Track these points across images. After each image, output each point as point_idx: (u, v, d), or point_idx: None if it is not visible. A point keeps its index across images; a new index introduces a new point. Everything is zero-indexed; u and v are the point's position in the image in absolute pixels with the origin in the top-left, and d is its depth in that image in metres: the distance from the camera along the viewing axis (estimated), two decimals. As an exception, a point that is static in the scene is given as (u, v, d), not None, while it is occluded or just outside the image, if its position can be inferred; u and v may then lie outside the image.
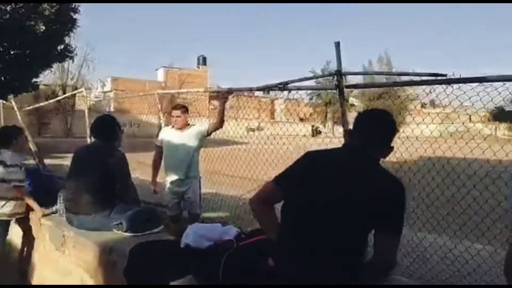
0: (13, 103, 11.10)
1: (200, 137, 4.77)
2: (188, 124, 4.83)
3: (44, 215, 4.40)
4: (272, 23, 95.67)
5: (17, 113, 10.74)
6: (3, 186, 4.20)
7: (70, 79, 38.89)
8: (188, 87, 43.10)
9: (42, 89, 30.88)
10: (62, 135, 33.82)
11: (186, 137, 4.71)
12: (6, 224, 4.36)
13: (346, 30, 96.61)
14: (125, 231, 3.61)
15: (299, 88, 3.68)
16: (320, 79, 24.67)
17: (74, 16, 18.53)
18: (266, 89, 3.94)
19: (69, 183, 4.00)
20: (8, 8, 16.15)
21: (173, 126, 4.82)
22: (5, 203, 4.24)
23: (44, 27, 16.28)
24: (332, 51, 3.19)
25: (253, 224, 3.28)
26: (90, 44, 41.62)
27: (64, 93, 36.21)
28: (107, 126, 4.11)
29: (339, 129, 43.99)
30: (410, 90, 47.04)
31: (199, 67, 47.42)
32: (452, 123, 4.63)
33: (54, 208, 4.46)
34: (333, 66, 3.40)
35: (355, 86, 4.71)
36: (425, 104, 55.37)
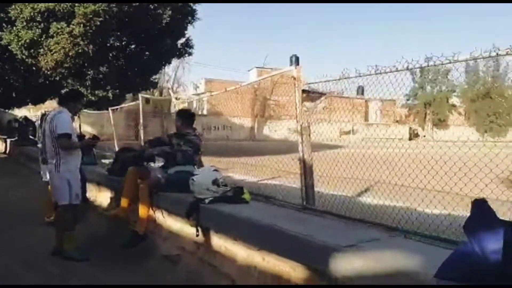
0: (140, 98, 9.63)
1: None
2: None
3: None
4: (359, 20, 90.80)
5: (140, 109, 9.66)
6: None
7: (166, 81, 38.17)
8: (281, 88, 40.92)
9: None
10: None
11: None
12: None
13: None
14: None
15: None
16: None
17: (194, 7, 16.74)
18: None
19: None
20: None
21: None
22: None
23: (169, 18, 14.55)
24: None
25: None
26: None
27: (161, 95, 35.88)
28: None
29: (439, 132, 40.11)
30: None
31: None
32: None
33: None
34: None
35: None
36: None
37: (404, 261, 2.07)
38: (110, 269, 4.40)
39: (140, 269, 4.34)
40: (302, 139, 6.09)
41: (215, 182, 3.91)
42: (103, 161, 10.44)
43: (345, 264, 2.25)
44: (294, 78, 6.11)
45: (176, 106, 9.17)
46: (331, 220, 3.43)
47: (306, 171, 6.16)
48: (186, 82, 41.47)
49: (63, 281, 4.22)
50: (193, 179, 3.96)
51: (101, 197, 6.60)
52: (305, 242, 2.56)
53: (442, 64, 4.17)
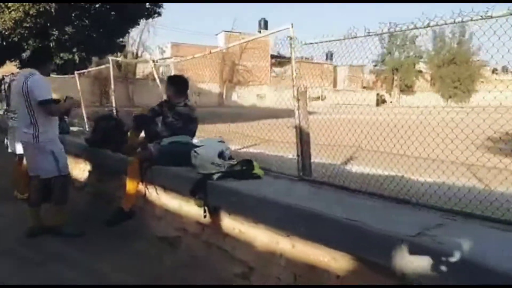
0: (110, 62, 8.87)
1: None
2: None
3: None
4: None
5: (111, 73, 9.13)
6: None
7: (130, 45, 36.46)
8: (249, 53, 40.00)
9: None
10: (126, 104, 31.48)
11: None
12: None
13: None
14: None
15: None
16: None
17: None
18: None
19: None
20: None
21: None
22: None
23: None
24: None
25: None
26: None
27: (126, 58, 34.32)
28: None
29: (405, 98, 40.75)
30: (480, 55, 42.56)
31: (260, 31, 44.09)
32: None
33: None
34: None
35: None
36: (496, 70, 50.99)
37: (502, 258, 1.67)
38: (97, 252, 3.88)
39: (132, 252, 3.84)
40: (298, 105, 5.65)
41: (221, 155, 3.40)
42: (72, 128, 9.70)
43: (420, 259, 1.84)
44: (290, 38, 5.59)
45: (154, 69, 8.54)
46: (367, 199, 3.01)
47: (303, 139, 5.74)
48: (151, 46, 39.87)
49: (42, 267, 3.69)
50: (196, 152, 3.44)
51: (78, 169, 5.97)
52: (357, 230, 2.12)
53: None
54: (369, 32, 4.64)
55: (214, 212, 3.22)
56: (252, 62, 41.24)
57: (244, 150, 9.55)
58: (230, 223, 3.09)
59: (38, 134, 4.03)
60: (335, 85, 48.95)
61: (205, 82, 38.08)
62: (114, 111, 9.34)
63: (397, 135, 5.12)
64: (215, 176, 3.22)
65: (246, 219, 2.91)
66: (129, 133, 4.58)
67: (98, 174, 5.30)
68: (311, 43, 5.76)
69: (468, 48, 47.65)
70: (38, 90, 3.96)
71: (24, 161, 5.20)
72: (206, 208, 3.18)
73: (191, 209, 3.51)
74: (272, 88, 42.14)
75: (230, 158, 3.49)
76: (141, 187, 4.05)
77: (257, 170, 3.37)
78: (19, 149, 4.95)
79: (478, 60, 46.51)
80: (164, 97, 4.79)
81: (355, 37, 4.99)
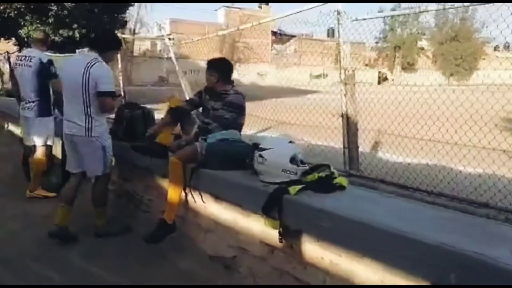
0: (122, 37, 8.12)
1: None
2: None
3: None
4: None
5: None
6: None
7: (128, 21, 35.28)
8: (250, 29, 39.44)
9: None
10: (125, 83, 30.59)
11: None
12: None
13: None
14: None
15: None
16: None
17: None
18: None
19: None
20: None
21: None
22: None
23: None
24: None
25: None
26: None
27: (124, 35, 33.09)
28: None
29: (406, 76, 40.39)
30: (483, 32, 41.86)
31: (260, 7, 42.91)
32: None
33: None
34: None
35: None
36: (498, 47, 50.22)
37: None
38: (134, 272, 3.25)
39: (178, 273, 3.19)
40: (346, 90, 5.12)
41: (293, 160, 2.72)
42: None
43: None
44: (338, 13, 5.01)
45: (170, 48, 7.87)
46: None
47: (351, 130, 5.17)
48: (149, 22, 38.81)
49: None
50: (262, 157, 2.74)
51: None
52: None
53: None
54: (444, 5, 3.92)
55: (292, 235, 2.55)
56: (252, 39, 40.13)
57: (262, 134, 8.92)
58: (316, 251, 2.41)
59: (91, 127, 3.58)
60: (337, 63, 48.01)
61: (205, 60, 37.07)
62: (122, 92, 8.75)
63: (420, 120, 5.05)
64: (293, 190, 2.53)
65: (344, 249, 2.24)
66: (161, 132, 3.87)
67: (121, 171, 4.62)
68: (364, 19, 5.08)
69: (471, 25, 46.92)
70: (104, 79, 3.51)
71: (36, 154, 4.69)
72: (281, 229, 2.51)
73: (252, 225, 2.85)
74: (273, 66, 41.21)
75: (302, 162, 2.80)
76: (183, 194, 3.37)
77: (340, 179, 2.69)
78: (33, 140, 4.75)
79: (481, 37, 45.83)
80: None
81: (424, 11, 4.29)
